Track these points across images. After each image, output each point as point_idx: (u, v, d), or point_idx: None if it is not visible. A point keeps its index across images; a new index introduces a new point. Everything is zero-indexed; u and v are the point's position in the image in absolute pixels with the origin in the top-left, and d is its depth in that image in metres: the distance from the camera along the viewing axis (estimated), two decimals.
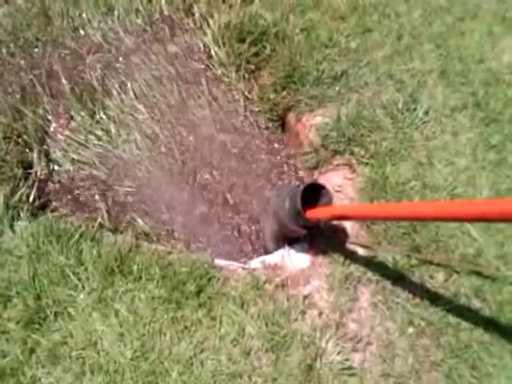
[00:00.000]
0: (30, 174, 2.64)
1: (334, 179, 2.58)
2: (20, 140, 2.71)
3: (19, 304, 2.11)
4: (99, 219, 2.53)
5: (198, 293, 2.18)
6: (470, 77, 2.88)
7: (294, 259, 2.32)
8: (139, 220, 2.66)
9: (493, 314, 2.16)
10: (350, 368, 2.04)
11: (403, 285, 2.20)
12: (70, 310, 2.12)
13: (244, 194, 2.86)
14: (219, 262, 2.35)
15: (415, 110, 2.71)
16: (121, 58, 3.16)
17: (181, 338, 2.07)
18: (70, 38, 3.19)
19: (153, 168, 2.85)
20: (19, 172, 2.56)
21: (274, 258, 2.36)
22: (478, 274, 2.22)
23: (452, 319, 2.14)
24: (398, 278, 2.22)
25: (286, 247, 2.37)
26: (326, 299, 2.20)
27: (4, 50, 3.09)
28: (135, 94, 3.02)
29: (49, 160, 2.79)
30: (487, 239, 2.31)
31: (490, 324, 2.13)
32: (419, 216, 1.57)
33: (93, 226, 2.42)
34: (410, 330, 2.13)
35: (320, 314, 2.16)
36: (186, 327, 2.09)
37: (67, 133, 2.87)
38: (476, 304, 2.19)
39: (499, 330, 2.11)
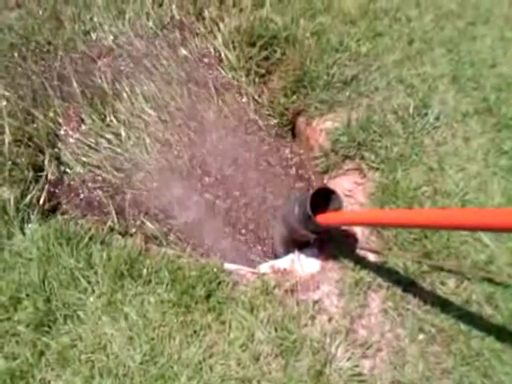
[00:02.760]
0: (40, 176, 2.65)
1: (344, 184, 2.57)
2: (31, 143, 2.72)
3: (29, 306, 2.11)
4: (109, 222, 2.53)
5: (208, 297, 2.17)
6: (481, 82, 2.87)
7: (303, 264, 2.31)
8: (149, 223, 2.66)
9: (505, 321, 2.14)
10: (360, 374, 2.02)
11: (414, 291, 2.19)
12: (80, 313, 2.12)
13: (253, 197, 2.85)
14: (229, 266, 2.34)
15: (426, 115, 2.70)
16: (131, 62, 3.18)
17: (190, 342, 2.06)
18: (81, 42, 3.21)
19: (162, 171, 2.85)
20: (30, 175, 2.57)
21: (284, 262, 2.35)
22: (490, 280, 2.20)
23: (463, 326, 2.11)
24: (408, 284, 2.21)
25: (296, 252, 2.36)
26: (335, 305, 2.19)
27: (16, 54, 3.12)
28: (145, 98, 3.03)
29: (59, 163, 2.80)
30: (499, 246, 2.29)
31: (501, 331, 2.11)
32: (431, 224, 1.56)
33: (103, 229, 2.42)
34: (421, 336, 2.11)
35: (330, 320, 2.15)
36: (195, 331, 2.09)
37: (78, 136, 2.88)
38: (488, 311, 2.16)
39: (511, 338, 2.09)
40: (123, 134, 2.90)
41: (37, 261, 2.22)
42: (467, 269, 2.22)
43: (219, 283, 2.22)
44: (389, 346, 2.10)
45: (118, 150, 2.87)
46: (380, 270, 2.24)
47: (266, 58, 3.08)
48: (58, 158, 2.80)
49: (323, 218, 1.99)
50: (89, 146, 2.86)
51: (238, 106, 3.09)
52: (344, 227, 2.35)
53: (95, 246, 2.30)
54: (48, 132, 2.83)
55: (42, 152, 2.74)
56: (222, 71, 3.18)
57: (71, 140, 2.88)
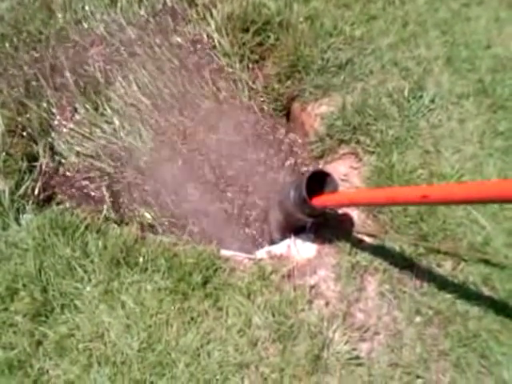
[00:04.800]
0: (34, 166, 2.64)
1: (340, 168, 2.56)
2: (24, 133, 2.72)
3: (26, 297, 2.11)
4: (104, 211, 2.53)
5: (205, 284, 2.17)
6: (476, 63, 2.84)
7: (300, 249, 2.31)
8: (144, 212, 2.66)
9: (501, 302, 2.14)
10: (358, 358, 2.03)
11: (410, 274, 2.19)
12: (77, 302, 2.13)
13: (248, 184, 2.84)
14: (225, 252, 2.34)
15: (421, 97, 2.68)
16: (124, 50, 3.15)
17: (187, 329, 2.06)
18: (73, 31, 3.19)
19: (157, 159, 2.84)
20: (24, 165, 2.56)
21: (280, 248, 2.35)
22: (487, 262, 2.20)
23: (460, 308, 2.12)
24: (405, 266, 2.20)
25: (292, 237, 2.36)
26: (332, 289, 2.19)
27: (7, 44, 3.09)
28: (139, 86, 3.01)
29: (53, 153, 2.79)
30: (495, 227, 2.28)
31: (498, 312, 2.11)
32: (426, 200, 1.54)
33: (98, 218, 2.42)
34: (418, 319, 2.12)
35: (327, 304, 2.15)
36: (192, 318, 2.09)
37: (71, 125, 2.87)
38: (484, 292, 2.16)
39: (508, 319, 2.09)
40: (117, 122, 2.88)
41: (33, 251, 2.22)
42: (464, 250, 2.21)
43: (216, 270, 2.22)
44: (386, 329, 2.10)
45: (112, 139, 2.85)
46: (376, 253, 2.23)
47: (260, 44, 3.05)
48: (51, 148, 2.79)
49: (319, 201, 1.98)
50: (83, 135, 2.85)
51: (232, 93, 3.07)
52: (340, 211, 2.35)
53: (91, 235, 2.30)
54: (41, 122, 2.82)
55: (35, 142, 2.73)
56: (216, 57, 3.16)
57: (65, 130, 2.87)
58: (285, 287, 2.18)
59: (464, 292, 2.15)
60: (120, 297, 2.14)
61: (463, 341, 2.06)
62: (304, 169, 2.87)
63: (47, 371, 1.99)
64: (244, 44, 3.05)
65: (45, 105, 2.89)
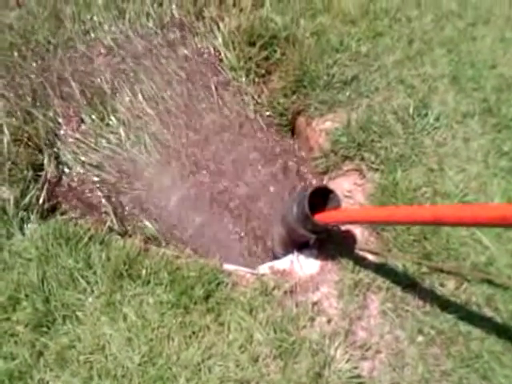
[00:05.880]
0: (39, 176, 2.65)
1: (344, 185, 2.57)
2: (30, 142, 2.73)
3: (28, 307, 2.11)
4: (108, 222, 2.54)
5: (207, 298, 2.17)
6: (481, 82, 2.86)
7: (303, 265, 2.31)
8: (148, 224, 2.66)
9: (504, 323, 2.13)
10: (359, 376, 2.01)
11: (413, 292, 2.18)
12: (79, 313, 2.12)
13: (253, 198, 2.84)
14: (228, 266, 2.34)
15: (426, 115, 2.69)
16: (131, 62, 3.17)
17: (189, 343, 2.06)
18: (80, 41, 3.21)
19: (162, 171, 2.85)
20: (29, 174, 2.57)
21: (283, 263, 2.34)
22: (490, 282, 2.20)
23: (463, 328, 2.11)
24: (408, 285, 2.20)
25: (295, 253, 2.35)
26: (335, 306, 2.18)
27: (15, 53, 3.12)
28: (145, 98, 3.03)
29: (59, 163, 2.80)
30: (499, 247, 2.28)
31: (501, 333, 2.10)
32: (429, 220, 1.54)
33: (102, 230, 2.42)
34: (420, 338, 2.11)
35: (329, 321, 2.14)
36: (194, 332, 2.08)
37: (77, 136, 2.88)
38: (487, 313, 2.16)
39: (511, 340, 2.08)
40: (123, 133, 2.90)
41: (36, 261, 2.22)
42: (467, 270, 2.21)
43: (218, 284, 2.22)
44: (388, 348, 2.09)
45: (118, 150, 2.86)
46: (379, 271, 2.23)
47: (266, 58, 3.08)
48: (57, 158, 2.80)
49: (321, 217, 1.98)
50: (88, 145, 2.86)
51: (238, 106, 3.09)
52: (343, 227, 2.35)
53: (94, 247, 2.30)
54: (47, 132, 2.83)
55: (41, 152, 2.74)
56: (222, 71, 3.18)
57: (71, 140, 2.88)
58: (287, 303, 2.17)
59: (467, 312, 2.14)
60: (122, 309, 2.13)
61: (465, 361, 2.05)
62: (307, 184, 2.87)
63: (47, 383, 1.98)
64: (250, 58, 3.07)
65: (51, 114, 2.90)
